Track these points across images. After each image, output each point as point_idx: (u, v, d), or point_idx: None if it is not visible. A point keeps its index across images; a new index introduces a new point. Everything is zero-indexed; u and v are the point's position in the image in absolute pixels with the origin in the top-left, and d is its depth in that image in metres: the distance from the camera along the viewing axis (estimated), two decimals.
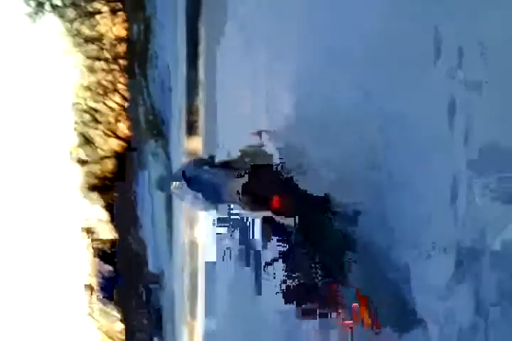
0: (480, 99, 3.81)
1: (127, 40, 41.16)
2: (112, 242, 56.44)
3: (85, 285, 46.67)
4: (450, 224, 4.07)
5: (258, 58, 10.76)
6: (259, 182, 7.57)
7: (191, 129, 23.57)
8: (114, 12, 41.33)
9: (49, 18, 40.46)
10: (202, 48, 19.62)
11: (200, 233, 21.37)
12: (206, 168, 10.19)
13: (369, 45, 5.81)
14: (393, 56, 5.28)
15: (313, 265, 6.80)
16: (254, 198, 7.79)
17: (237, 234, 10.68)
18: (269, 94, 10.13)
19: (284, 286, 8.80)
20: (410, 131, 4.94)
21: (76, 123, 48.19)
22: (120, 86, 47.43)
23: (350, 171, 6.38)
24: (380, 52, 5.53)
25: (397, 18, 5.13)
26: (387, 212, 5.36)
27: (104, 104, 47.77)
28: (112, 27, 41.96)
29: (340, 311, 8.12)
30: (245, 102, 12.30)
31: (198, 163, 11.32)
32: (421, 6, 4.68)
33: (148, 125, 36.35)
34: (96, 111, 47.74)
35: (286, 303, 9.27)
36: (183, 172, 10.78)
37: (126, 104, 47.46)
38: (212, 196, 9.48)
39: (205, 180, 9.69)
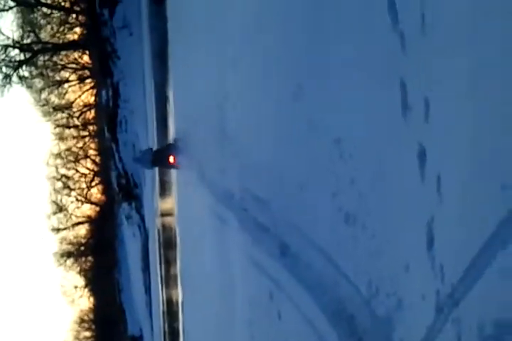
0: (449, 145, 3.90)
1: (96, 106, 41.44)
2: (90, 308, 55.82)
3: None
4: (428, 271, 4.11)
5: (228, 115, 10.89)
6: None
7: (164, 190, 23.54)
8: (82, 80, 41.68)
9: (17, 89, 40.67)
10: (170, 108, 19.78)
11: (178, 292, 21.22)
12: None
13: (337, 94, 5.93)
14: (359, 107, 5.40)
15: None
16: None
17: None
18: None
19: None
20: (381, 182, 5.01)
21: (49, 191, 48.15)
22: (91, 152, 47.59)
23: (322, 224, 6.44)
24: (348, 103, 5.65)
25: (365, 68, 5.25)
26: (362, 263, 5.40)
27: (76, 170, 47.85)
28: (80, 94, 42.26)
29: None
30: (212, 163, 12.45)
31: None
32: (386, 58, 4.81)
33: (120, 189, 36.29)
34: (68, 178, 47.76)
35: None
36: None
37: (97, 169, 47.52)
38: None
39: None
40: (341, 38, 5.75)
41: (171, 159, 18.00)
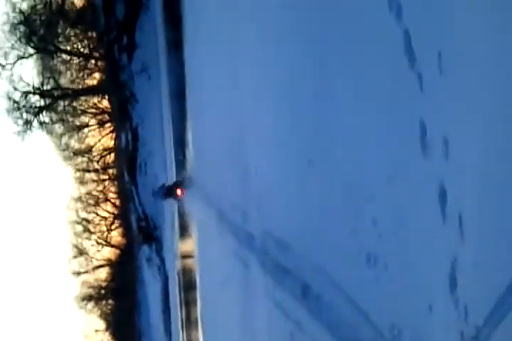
0: (470, 184, 3.88)
1: (116, 149, 41.67)
2: None
3: None
4: (452, 312, 4.06)
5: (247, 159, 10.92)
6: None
7: (184, 232, 23.56)
8: (101, 124, 42.02)
9: (38, 134, 41.05)
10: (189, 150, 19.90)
11: (198, 335, 21.07)
12: None
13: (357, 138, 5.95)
14: (381, 147, 5.39)
15: None
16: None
17: None
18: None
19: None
20: (403, 221, 4.98)
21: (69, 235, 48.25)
22: (111, 195, 47.72)
23: (344, 265, 6.39)
24: (368, 143, 5.65)
25: (384, 109, 5.26)
26: (385, 305, 5.34)
27: (96, 213, 47.95)
28: (100, 139, 42.58)
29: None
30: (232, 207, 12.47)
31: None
32: (405, 98, 4.82)
33: (140, 231, 36.30)
34: (88, 221, 47.87)
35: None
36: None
37: (117, 213, 47.60)
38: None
39: None
40: (361, 79, 5.78)
41: (179, 192, 22.08)
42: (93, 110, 41.54)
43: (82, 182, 46.86)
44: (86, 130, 42.31)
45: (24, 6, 33.15)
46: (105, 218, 48.80)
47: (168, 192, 23.40)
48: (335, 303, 6.76)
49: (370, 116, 5.55)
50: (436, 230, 4.29)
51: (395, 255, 5.20)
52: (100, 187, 47.22)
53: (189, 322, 23.75)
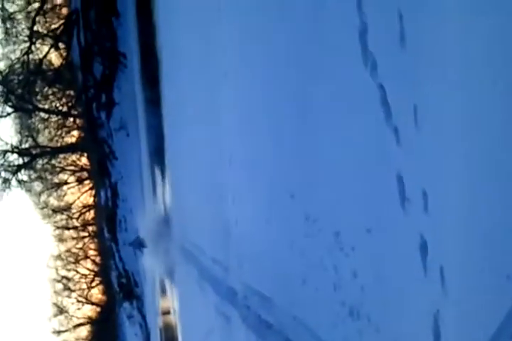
0: (450, 236, 3.90)
1: (95, 206, 41.56)
2: None
3: None
4: None
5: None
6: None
7: (165, 288, 23.37)
8: (80, 181, 41.99)
9: (16, 193, 40.90)
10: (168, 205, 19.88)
11: None
12: None
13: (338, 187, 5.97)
14: (358, 201, 5.42)
15: None
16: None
17: None
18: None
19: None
20: (384, 274, 4.98)
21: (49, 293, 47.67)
22: (91, 252, 47.41)
23: (326, 318, 6.35)
24: (346, 197, 5.68)
25: (361, 163, 5.31)
26: None
27: (76, 271, 47.54)
28: (79, 196, 42.47)
29: None
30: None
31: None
32: (381, 152, 4.87)
33: (121, 288, 35.97)
34: (68, 279, 47.40)
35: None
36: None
37: (98, 270, 47.19)
38: None
39: None
40: (335, 134, 5.84)
41: None
42: (72, 167, 41.55)
43: (61, 239, 46.59)
44: (65, 187, 42.26)
45: (1, 65, 33.36)
46: (85, 275, 48.37)
47: (142, 242, 25.98)
48: None
49: (348, 168, 5.59)
50: (417, 283, 4.29)
51: (377, 308, 5.18)
52: (80, 245, 46.95)
53: None
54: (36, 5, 32.62)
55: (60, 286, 47.57)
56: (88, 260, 48.04)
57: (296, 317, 7.42)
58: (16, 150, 35.89)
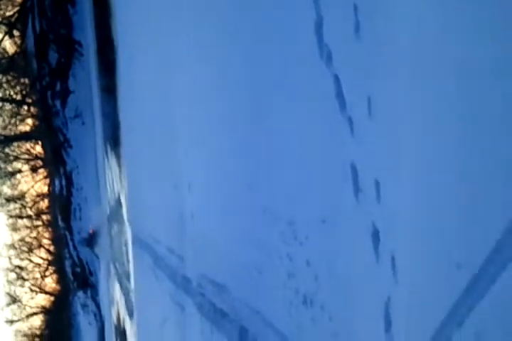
0: (402, 225, 3.96)
1: (50, 195, 41.16)
2: None
3: None
4: None
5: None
6: None
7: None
8: (34, 170, 41.53)
9: None
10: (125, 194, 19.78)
11: None
12: None
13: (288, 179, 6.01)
14: (312, 191, 5.47)
15: None
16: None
17: None
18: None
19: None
20: (337, 263, 5.04)
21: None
22: (45, 241, 46.95)
23: (281, 307, 6.40)
24: (300, 187, 5.72)
25: (315, 154, 5.35)
26: None
27: (30, 260, 47.05)
28: (33, 184, 42.02)
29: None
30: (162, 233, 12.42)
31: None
32: (336, 142, 4.91)
33: (75, 277, 35.73)
34: (21, 268, 46.91)
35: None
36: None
37: (52, 259, 46.77)
38: None
39: None
40: (289, 124, 5.87)
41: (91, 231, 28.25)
42: (26, 156, 41.06)
43: (15, 228, 46.06)
44: (19, 176, 41.76)
45: None
46: (39, 264, 47.92)
47: (90, 240, 27.28)
48: None
49: (302, 159, 5.63)
50: (369, 272, 4.35)
51: (330, 296, 5.24)
52: (34, 234, 46.46)
53: None
54: None
55: (13, 275, 47.11)
56: (42, 249, 47.58)
57: (251, 305, 7.46)
58: None
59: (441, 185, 3.46)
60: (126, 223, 19.57)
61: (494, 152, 2.97)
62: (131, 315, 20.76)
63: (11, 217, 44.74)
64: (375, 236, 4.30)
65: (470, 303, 3.15)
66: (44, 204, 44.28)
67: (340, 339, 5.00)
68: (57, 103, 28.73)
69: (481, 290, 3.07)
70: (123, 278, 21.92)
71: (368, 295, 4.45)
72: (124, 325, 22.89)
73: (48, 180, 41.06)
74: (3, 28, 31.84)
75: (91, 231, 29.61)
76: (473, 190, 3.13)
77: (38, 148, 40.36)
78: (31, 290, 48.18)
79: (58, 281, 48.01)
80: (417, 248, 3.75)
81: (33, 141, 39.72)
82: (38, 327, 51.04)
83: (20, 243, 45.94)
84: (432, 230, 3.58)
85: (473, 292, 3.15)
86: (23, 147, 40.34)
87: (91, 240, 29.70)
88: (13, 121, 37.34)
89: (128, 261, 20.21)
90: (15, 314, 48.81)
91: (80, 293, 35.57)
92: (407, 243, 3.87)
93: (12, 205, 43.44)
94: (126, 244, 20.00)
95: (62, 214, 34.14)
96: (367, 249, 4.36)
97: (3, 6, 32.69)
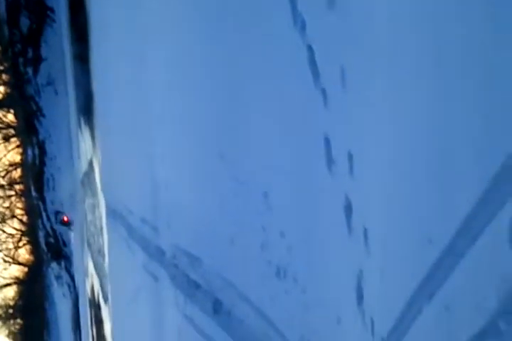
0: (374, 198, 3.95)
1: (22, 164, 40.87)
2: None
3: None
4: (359, 324, 4.12)
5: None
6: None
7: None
8: (6, 139, 41.15)
9: None
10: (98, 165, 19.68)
11: None
12: None
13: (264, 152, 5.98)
14: (285, 162, 5.45)
15: None
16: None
17: None
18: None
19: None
20: (310, 235, 5.04)
21: None
22: (18, 211, 46.70)
23: (254, 279, 6.41)
24: (274, 159, 5.69)
25: (288, 125, 5.32)
26: (295, 317, 5.38)
27: (3, 231, 46.81)
28: (5, 154, 41.67)
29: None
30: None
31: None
32: (309, 113, 4.88)
33: (49, 248, 35.63)
34: None
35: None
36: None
37: (25, 229, 46.59)
38: None
39: None
40: (263, 95, 5.82)
41: (65, 218, 28.88)
42: None
43: None
44: None
45: None
46: (12, 235, 47.68)
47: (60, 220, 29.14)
48: (246, 317, 6.77)
49: (276, 129, 5.60)
50: (342, 244, 4.35)
51: (303, 267, 5.25)
52: (6, 204, 46.13)
53: (100, 340, 23.41)
54: None
55: None
56: (15, 219, 47.33)
57: (224, 277, 7.47)
58: None
59: (413, 158, 3.44)
60: (100, 194, 19.49)
61: (466, 125, 2.95)
62: (106, 298, 20.77)
63: None
64: (348, 208, 4.29)
65: (440, 277, 3.16)
66: (17, 173, 43.95)
67: (312, 311, 5.02)
68: (30, 70, 28.39)
69: (450, 264, 3.07)
70: (97, 255, 21.87)
71: (340, 268, 4.45)
72: (98, 299, 22.90)
73: (20, 149, 40.75)
74: None
75: (66, 218, 29.52)
76: (444, 164, 3.12)
77: (10, 117, 39.95)
78: (4, 261, 47.97)
79: (32, 252, 47.85)
80: (389, 221, 3.75)
81: (5, 109, 39.31)
82: (11, 298, 50.96)
83: None
84: (403, 204, 3.57)
85: (443, 265, 3.15)
86: None
87: (68, 224, 29.72)
88: None
89: (102, 235, 20.16)
90: None
91: (54, 265, 35.49)
92: (379, 216, 3.87)
93: None
94: (100, 218, 19.93)
95: (35, 184, 33.92)
96: (340, 221, 4.36)
97: None
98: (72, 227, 28.75)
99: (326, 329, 4.72)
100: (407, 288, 3.44)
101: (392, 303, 3.64)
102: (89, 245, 24.11)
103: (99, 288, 22.72)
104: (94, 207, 21.43)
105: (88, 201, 23.14)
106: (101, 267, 21.55)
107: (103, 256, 20.62)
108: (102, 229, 20.10)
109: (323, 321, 4.77)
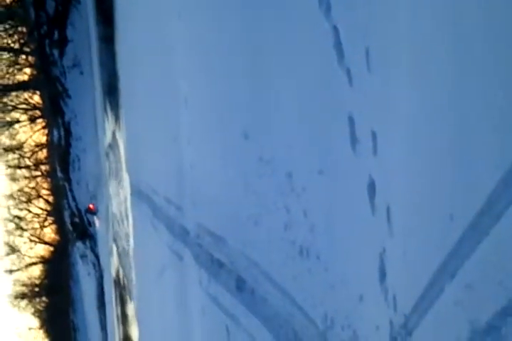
0: (398, 177, 3.97)
1: (48, 145, 41.12)
2: None
3: None
4: (381, 302, 4.16)
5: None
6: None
7: None
8: (33, 120, 41.40)
9: None
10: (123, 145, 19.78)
11: (135, 331, 20.94)
12: None
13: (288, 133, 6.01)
14: (309, 142, 5.48)
15: None
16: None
17: None
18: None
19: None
20: (333, 214, 5.07)
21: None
22: (44, 191, 47.07)
23: (277, 258, 6.46)
24: (298, 138, 5.72)
25: (313, 105, 5.34)
26: (317, 296, 5.42)
27: (29, 210, 47.23)
28: (31, 134, 41.93)
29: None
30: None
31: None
32: (333, 93, 4.90)
33: (74, 228, 35.93)
34: (20, 218, 47.12)
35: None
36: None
37: (50, 209, 46.99)
38: None
39: None
40: (288, 75, 5.84)
41: (91, 206, 29.64)
42: (24, 106, 40.88)
43: (13, 179, 46.12)
44: (17, 126, 41.63)
45: None
46: (38, 215, 48.13)
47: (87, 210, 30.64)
48: (269, 296, 6.83)
49: (300, 110, 5.62)
50: (365, 222, 4.38)
51: (326, 247, 5.29)
52: (32, 184, 46.53)
53: (125, 318, 23.64)
54: None
55: (12, 225, 47.35)
56: (41, 199, 47.73)
57: (248, 256, 7.53)
58: None
59: (436, 136, 3.47)
60: (125, 175, 19.61)
61: (489, 104, 2.97)
62: (129, 280, 20.99)
63: (9, 167, 44.79)
64: (371, 187, 4.32)
65: (463, 255, 3.19)
66: (43, 154, 44.27)
67: (335, 290, 5.07)
68: (55, 52, 28.52)
69: (473, 242, 3.10)
70: (121, 240, 22.02)
71: (363, 247, 4.49)
72: (122, 278, 23.09)
73: (46, 130, 40.98)
74: None
75: (92, 206, 29.90)
76: (468, 142, 3.14)
77: (37, 98, 40.18)
78: (30, 240, 48.48)
79: (57, 232, 48.27)
80: (412, 200, 3.78)
81: (32, 90, 39.51)
82: (37, 276, 51.52)
83: (19, 193, 46.07)
84: (426, 182, 3.60)
85: (465, 244, 3.18)
86: (22, 97, 40.13)
87: (95, 213, 30.27)
88: (11, 70, 37.12)
89: (127, 219, 20.29)
90: (14, 264, 49.22)
91: (79, 244, 35.80)
92: (402, 195, 3.90)
93: (10, 155, 43.43)
94: (125, 201, 20.05)
95: (60, 165, 34.15)
96: (363, 201, 4.39)
97: None
98: (98, 215, 28.89)
99: (349, 307, 4.77)
100: (430, 266, 3.47)
101: (415, 281, 3.68)
102: (113, 226, 24.30)
103: (121, 269, 22.92)
104: (119, 187, 21.56)
105: (112, 181, 23.27)
106: (123, 249, 21.72)
107: (127, 236, 20.77)
108: (126, 209, 20.22)
109: (346, 299, 4.82)
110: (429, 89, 3.52)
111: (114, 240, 24.18)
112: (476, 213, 3.08)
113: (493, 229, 2.95)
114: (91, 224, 32.71)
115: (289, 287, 6.22)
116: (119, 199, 21.95)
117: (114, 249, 24.69)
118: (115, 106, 20.82)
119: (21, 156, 44.08)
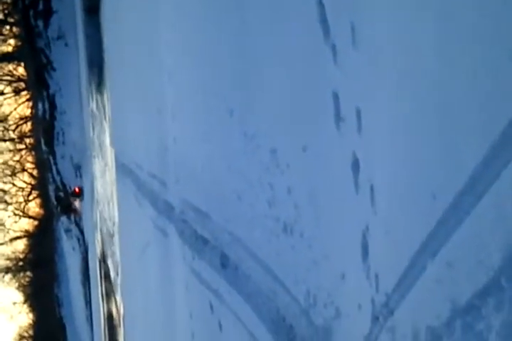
0: (381, 155, 3.95)
1: (32, 118, 40.89)
2: (30, 324, 54.86)
3: None
4: (363, 280, 4.16)
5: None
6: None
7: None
8: (17, 92, 41.10)
9: None
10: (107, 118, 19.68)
11: (119, 306, 20.99)
12: None
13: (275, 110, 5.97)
14: (294, 119, 5.44)
15: None
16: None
17: None
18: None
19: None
20: (317, 191, 5.05)
21: None
22: (28, 165, 46.91)
23: (261, 234, 6.45)
24: (282, 115, 5.68)
25: (297, 81, 5.29)
26: (300, 273, 5.42)
27: (13, 184, 47.09)
28: (16, 107, 41.65)
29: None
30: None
31: None
32: (318, 70, 4.85)
33: (59, 202, 35.86)
34: (5, 192, 46.98)
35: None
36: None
37: (35, 183, 46.84)
38: None
39: None
40: (272, 51, 5.79)
41: (76, 190, 29.89)
42: (8, 77, 40.58)
43: None
44: (1, 98, 41.37)
45: None
46: (22, 188, 47.99)
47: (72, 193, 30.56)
48: (252, 273, 6.84)
49: (285, 86, 5.58)
50: (348, 200, 4.36)
51: (310, 224, 5.27)
52: (17, 157, 46.34)
53: (109, 293, 23.69)
54: None
55: None
56: (25, 173, 47.57)
57: (231, 232, 7.52)
58: None
59: (420, 115, 3.44)
60: (110, 150, 19.54)
61: (473, 84, 2.94)
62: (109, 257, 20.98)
63: None
64: (355, 165, 4.29)
65: (444, 234, 3.18)
66: (27, 127, 44.03)
67: (318, 267, 5.06)
68: (40, 23, 28.25)
69: (455, 222, 3.09)
70: (106, 220, 21.99)
71: (346, 224, 4.48)
72: (106, 257, 23.11)
73: (31, 103, 40.73)
74: None
75: (77, 189, 29.75)
76: (451, 121, 3.12)
77: (21, 70, 39.86)
78: (15, 214, 48.38)
79: (42, 206, 48.19)
80: (395, 178, 3.76)
81: (16, 62, 39.17)
82: (21, 251, 51.48)
83: (3, 166, 45.91)
84: (409, 161, 3.58)
85: (447, 222, 3.17)
86: (6, 68, 39.82)
87: (79, 195, 30.16)
88: None
89: (112, 202, 20.25)
90: None
91: (64, 218, 35.75)
92: (385, 173, 3.87)
93: None
94: (111, 183, 19.97)
95: (45, 138, 33.99)
96: (347, 178, 4.37)
97: None
98: (83, 198, 28.72)
99: (331, 284, 4.77)
100: (412, 244, 3.46)
101: (397, 260, 3.67)
102: (98, 204, 24.26)
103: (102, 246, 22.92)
104: (103, 162, 21.49)
105: (97, 156, 23.19)
106: (107, 230, 21.70)
107: (112, 218, 20.74)
108: (112, 192, 20.16)
109: (329, 276, 4.82)
110: (415, 66, 3.48)
111: (99, 219, 24.17)
112: (458, 192, 3.06)
113: (475, 208, 2.94)
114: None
115: (272, 264, 6.22)
116: (104, 178, 21.90)
117: (99, 227, 24.69)
118: (100, 79, 20.68)
119: (5, 129, 43.84)
